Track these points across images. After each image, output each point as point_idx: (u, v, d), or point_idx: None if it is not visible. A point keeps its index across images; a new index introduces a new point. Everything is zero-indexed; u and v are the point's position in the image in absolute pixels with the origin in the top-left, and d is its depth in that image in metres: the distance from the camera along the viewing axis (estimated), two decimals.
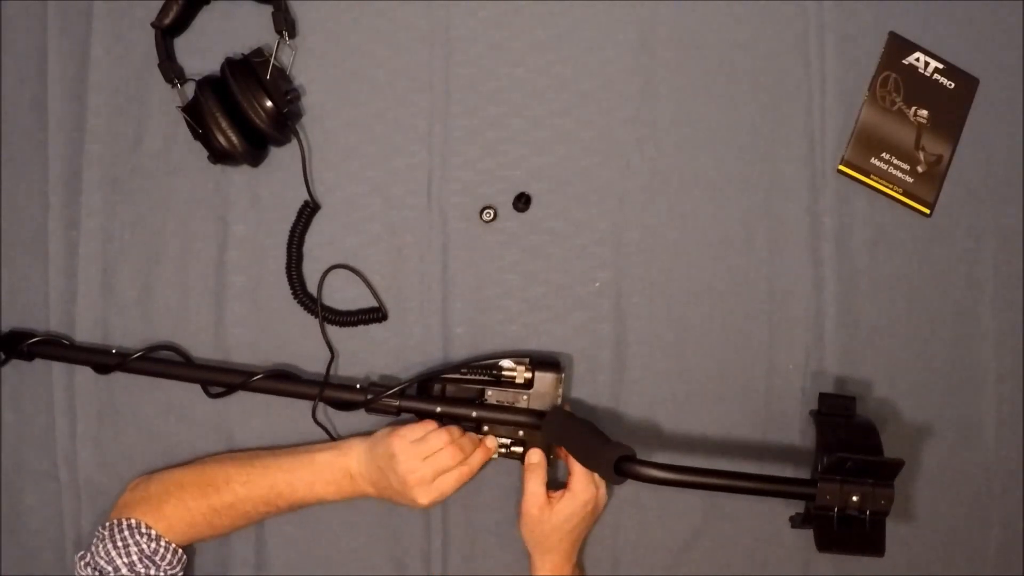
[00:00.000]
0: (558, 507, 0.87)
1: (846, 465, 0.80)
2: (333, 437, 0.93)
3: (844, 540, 0.81)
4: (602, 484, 0.89)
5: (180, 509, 0.86)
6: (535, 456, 0.88)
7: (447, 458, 0.85)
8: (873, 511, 0.79)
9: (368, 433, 0.90)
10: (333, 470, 0.88)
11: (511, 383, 0.90)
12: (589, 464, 0.84)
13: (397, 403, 0.89)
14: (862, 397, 0.96)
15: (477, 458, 0.88)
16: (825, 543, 0.82)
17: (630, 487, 0.96)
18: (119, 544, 0.83)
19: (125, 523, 0.85)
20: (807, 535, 0.96)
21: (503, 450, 0.90)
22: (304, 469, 0.88)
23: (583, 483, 0.87)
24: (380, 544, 0.95)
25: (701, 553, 0.97)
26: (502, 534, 0.95)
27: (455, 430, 0.88)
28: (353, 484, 0.88)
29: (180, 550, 0.86)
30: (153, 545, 0.84)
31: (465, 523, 0.95)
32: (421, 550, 0.95)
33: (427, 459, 0.85)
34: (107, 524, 0.86)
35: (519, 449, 0.90)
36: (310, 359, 0.95)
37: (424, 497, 0.85)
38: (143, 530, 0.84)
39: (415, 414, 0.90)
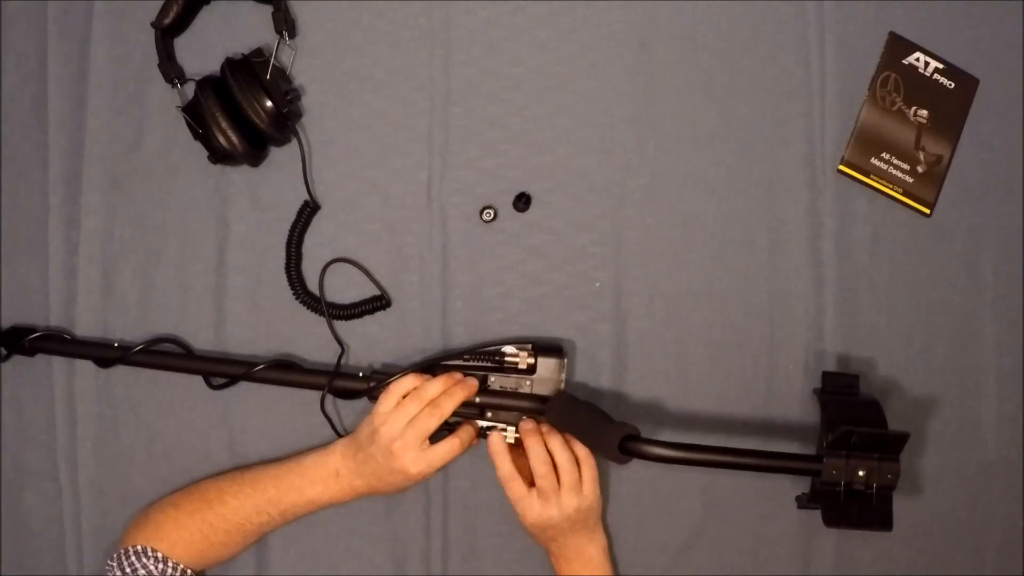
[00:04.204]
0: (548, 511, 0.86)
1: (851, 439, 0.79)
2: (336, 429, 0.92)
3: (851, 515, 0.81)
4: (584, 497, 0.87)
5: (178, 528, 0.86)
6: (501, 463, 0.87)
7: (425, 421, 0.84)
8: (880, 486, 0.79)
9: None
10: (318, 469, 0.88)
11: (514, 369, 0.90)
12: (594, 446, 0.83)
13: None
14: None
15: (466, 433, 0.87)
16: (832, 518, 0.82)
17: (629, 486, 0.96)
18: (128, 571, 0.83)
19: (132, 550, 0.85)
20: (807, 536, 0.96)
21: (512, 440, 0.89)
22: (292, 474, 0.88)
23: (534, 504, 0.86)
24: (380, 544, 0.95)
25: (701, 553, 0.97)
26: (502, 534, 0.95)
27: (429, 388, 0.86)
28: (339, 481, 0.87)
29: (188, 571, 0.85)
30: (161, 567, 0.84)
31: (465, 523, 0.95)
32: (421, 550, 0.95)
33: (410, 423, 0.84)
34: (115, 555, 0.85)
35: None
36: (311, 358, 0.95)
37: (414, 465, 0.84)
38: (149, 554, 0.84)
39: None
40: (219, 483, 0.90)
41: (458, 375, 0.88)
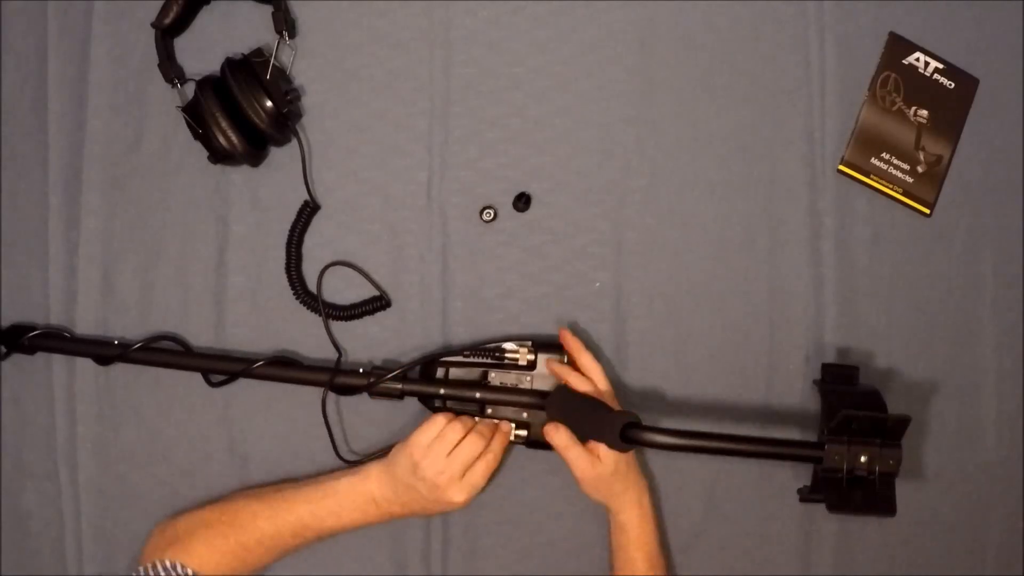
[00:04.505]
0: (605, 456, 0.85)
1: (852, 425, 0.79)
2: (332, 435, 0.92)
3: (854, 501, 0.81)
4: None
5: (208, 548, 0.85)
6: (559, 438, 0.86)
7: (470, 448, 0.85)
8: (882, 472, 0.79)
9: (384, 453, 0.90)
10: (355, 496, 0.87)
11: (514, 365, 0.90)
12: (597, 436, 0.83)
13: (400, 386, 0.89)
14: None
15: (498, 443, 0.87)
16: (836, 505, 0.81)
17: None
18: None
19: (160, 564, 0.84)
20: (807, 536, 0.96)
21: (513, 437, 0.89)
22: (328, 499, 0.87)
23: None
24: (380, 544, 0.95)
25: (701, 553, 0.97)
26: (502, 534, 0.96)
27: (468, 420, 0.87)
28: (378, 508, 0.87)
29: None
30: None
31: (465, 523, 0.95)
32: (421, 550, 0.95)
33: (450, 455, 0.84)
34: (140, 568, 0.84)
35: (523, 433, 0.89)
36: (311, 358, 0.95)
37: (458, 494, 0.84)
38: (179, 570, 0.83)
39: (418, 397, 0.90)
40: (250, 505, 0.88)
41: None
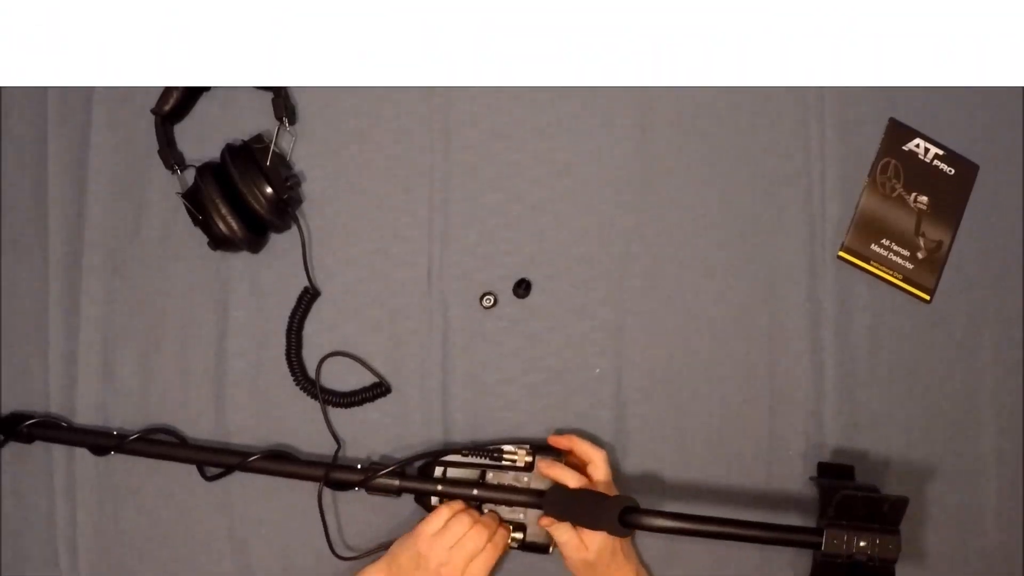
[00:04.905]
0: (590, 543, 0.85)
1: (851, 510, 0.80)
2: (327, 531, 0.91)
3: None
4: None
5: None
6: (550, 521, 0.87)
7: (474, 540, 0.85)
8: (881, 558, 0.80)
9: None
10: None
11: (512, 466, 0.90)
12: (596, 525, 0.83)
13: (398, 483, 0.89)
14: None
15: (500, 537, 0.88)
16: None
17: None
18: None
19: None
20: None
21: (509, 540, 0.89)
22: None
23: None
24: None
25: None
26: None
27: (474, 512, 0.88)
28: None
29: None
30: None
31: None
32: None
33: (453, 548, 0.84)
34: None
35: (519, 535, 0.90)
36: (311, 445, 0.95)
37: None
38: None
39: (415, 494, 0.90)
40: None
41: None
